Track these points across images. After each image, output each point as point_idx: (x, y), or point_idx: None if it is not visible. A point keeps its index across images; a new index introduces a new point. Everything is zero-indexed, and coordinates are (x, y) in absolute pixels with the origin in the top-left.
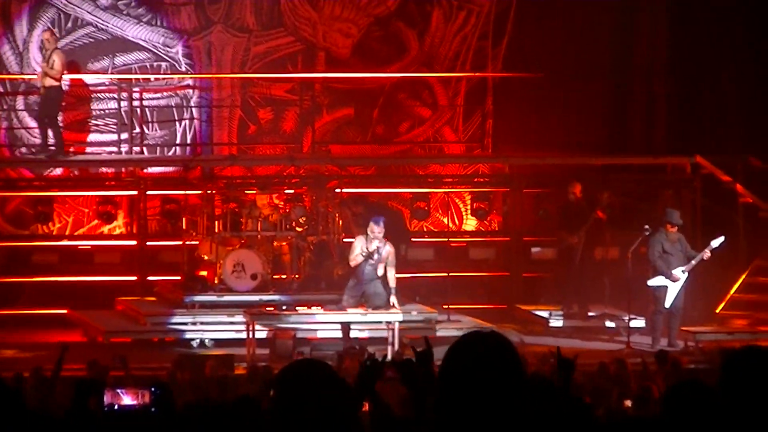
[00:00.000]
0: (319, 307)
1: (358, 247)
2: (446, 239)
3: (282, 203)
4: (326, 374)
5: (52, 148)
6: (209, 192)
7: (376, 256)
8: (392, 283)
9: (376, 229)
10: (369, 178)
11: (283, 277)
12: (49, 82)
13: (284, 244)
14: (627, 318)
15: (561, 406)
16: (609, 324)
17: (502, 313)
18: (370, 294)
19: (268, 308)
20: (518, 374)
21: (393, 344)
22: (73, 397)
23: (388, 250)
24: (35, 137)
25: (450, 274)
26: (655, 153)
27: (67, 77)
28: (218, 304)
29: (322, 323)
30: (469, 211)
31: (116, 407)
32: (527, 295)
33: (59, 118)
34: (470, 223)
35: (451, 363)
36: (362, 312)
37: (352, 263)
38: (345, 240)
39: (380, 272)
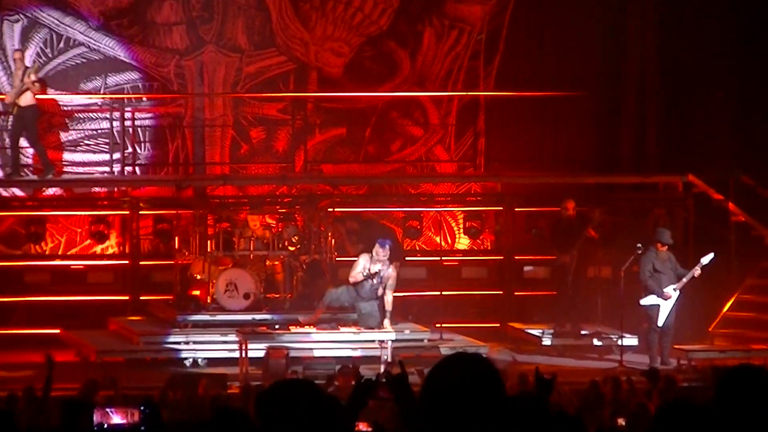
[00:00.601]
0: (312, 326)
1: (361, 265)
2: (439, 258)
3: (274, 222)
4: (310, 394)
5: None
6: (201, 212)
7: (377, 280)
8: (388, 306)
9: (381, 252)
10: (361, 197)
11: (276, 296)
12: (26, 101)
13: (277, 263)
14: (619, 336)
15: (551, 425)
16: (601, 342)
17: (495, 332)
18: (365, 314)
19: (260, 327)
20: (498, 397)
21: (386, 363)
22: (62, 417)
23: (389, 273)
24: (27, 156)
25: (442, 292)
26: (647, 170)
27: (42, 96)
28: (211, 324)
29: (315, 342)
30: (461, 230)
31: (105, 426)
32: (520, 314)
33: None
34: (463, 242)
35: (432, 384)
36: (355, 330)
37: (352, 280)
38: (338, 259)
39: (380, 293)
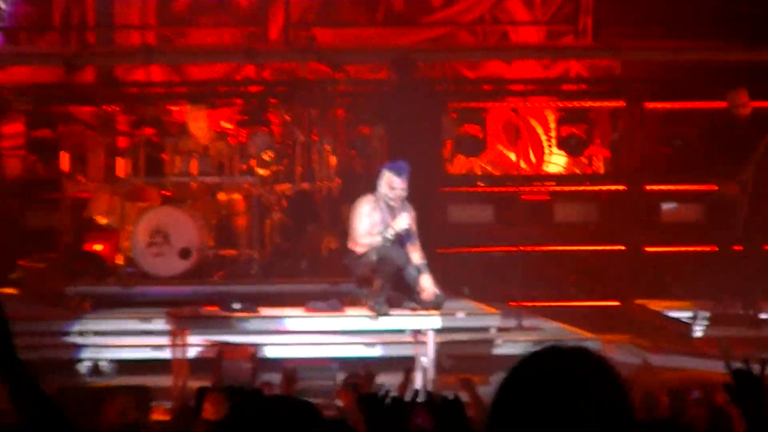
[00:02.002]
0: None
1: (366, 219)
2: (515, 189)
3: (233, 128)
4: (300, 421)
5: None
6: (109, 109)
7: (408, 239)
8: (420, 258)
9: (398, 184)
10: (381, 84)
11: (237, 253)
12: None
13: (237, 197)
14: None
15: None
16: None
17: (612, 315)
18: (419, 282)
19: (208, 307)
20: (621, 419)
21: (426, 370)
22: None
23: (411, 213)
24: None
25: (521, 248)
26: None
27: None
28: (124, 301)
29: (302, 333)
30: (553, 142)
31: None
32: (654, 285)
33: None
34: (556, 162)
35: (509, 399)
36: (370, 315)
37: (361, 249)
38: (342, 190)
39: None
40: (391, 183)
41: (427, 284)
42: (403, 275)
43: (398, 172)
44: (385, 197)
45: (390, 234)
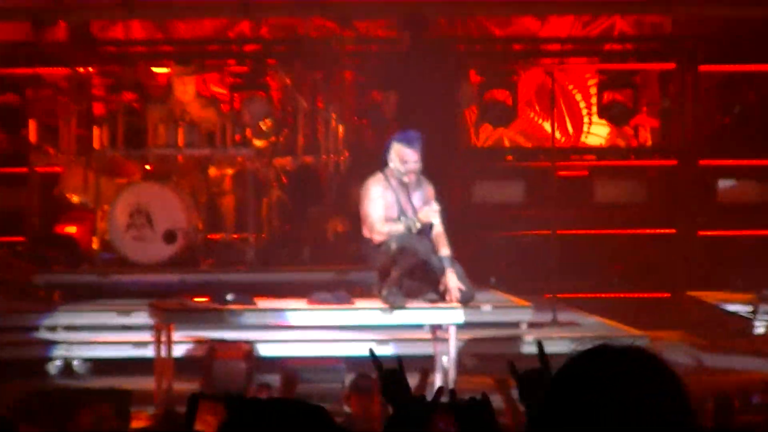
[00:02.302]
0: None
1: (380, 201)
2: (549, 163)
3: (226, 93)
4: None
5: None
6: (84, 71)
7: (432, 228)
8: (446, 249)
9: (410, 156)
10: (395, 43)
11: (229, 237)
12: None
13: (229, 172)
14: None
15: None
16: None
17: (662, 309)
18: (460, 275)
19: (196, 299)
20: (680, 427)
21: (446, 371)
22: None
23: (429, 189)
24: None
25: (556, 232)
26: None
27: None
28: (100, 291)
29: (305, 329)
30: (594, 110)
31: None
32: (710, 274)
33: None
34: (597, 132)
35: (555, 401)
36: (383, 307)
37: (380, 236)
38: (350, 165)
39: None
40: (403, 156)
41: (453, 282)
42: (427, 267)
43: (409, 143)
44: (397, 173)
45: (416, 225)
